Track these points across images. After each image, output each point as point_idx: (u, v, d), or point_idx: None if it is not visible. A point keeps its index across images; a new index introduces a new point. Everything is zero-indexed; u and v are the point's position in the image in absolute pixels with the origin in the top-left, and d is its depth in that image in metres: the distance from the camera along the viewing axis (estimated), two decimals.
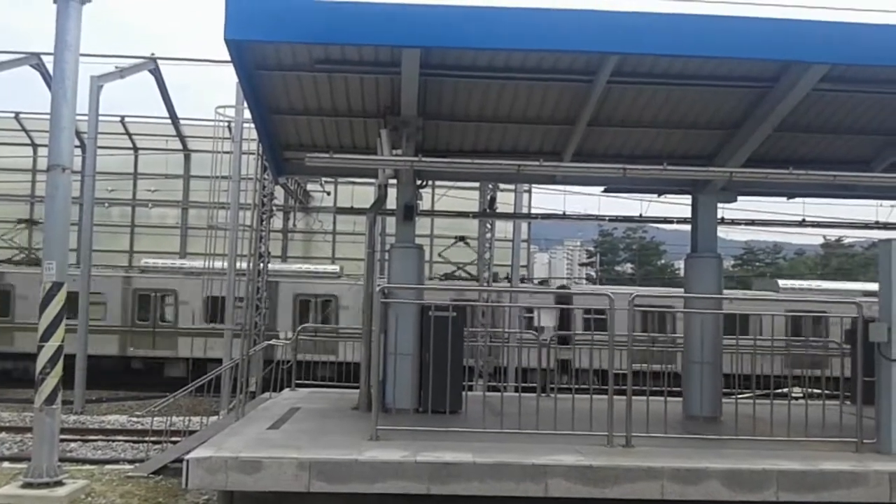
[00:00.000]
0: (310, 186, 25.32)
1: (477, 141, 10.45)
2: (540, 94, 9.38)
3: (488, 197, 21.54)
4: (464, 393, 9.11)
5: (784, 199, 12.40)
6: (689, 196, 10.78)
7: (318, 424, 8.54)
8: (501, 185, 21.61)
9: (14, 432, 15.14)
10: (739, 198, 10.92)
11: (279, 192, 22.68)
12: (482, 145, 10.51)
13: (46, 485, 9.08)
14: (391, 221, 10.83)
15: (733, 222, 13.86)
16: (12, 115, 25.44)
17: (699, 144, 10.30)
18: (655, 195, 12.56)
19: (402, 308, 9.31)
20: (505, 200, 23.06)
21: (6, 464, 11.63)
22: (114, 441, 14.76)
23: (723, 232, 11.78)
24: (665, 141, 10.28)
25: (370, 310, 9.72)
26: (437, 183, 19.98)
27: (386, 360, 9.17)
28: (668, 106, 9.49)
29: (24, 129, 25.60)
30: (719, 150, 10.19)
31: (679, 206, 12.86)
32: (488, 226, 22.86)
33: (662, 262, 59.78)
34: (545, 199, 53.92)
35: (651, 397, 7.58)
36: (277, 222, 24.35)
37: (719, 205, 10.77)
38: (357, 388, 10.46)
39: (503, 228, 24.30)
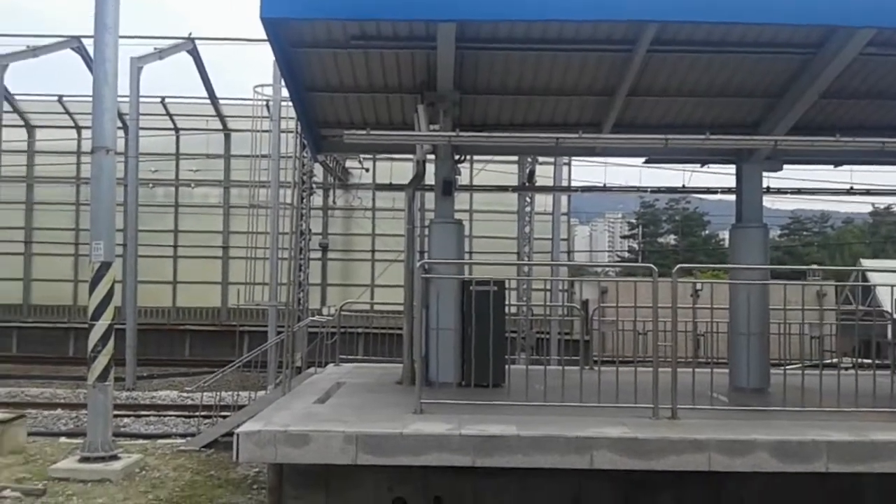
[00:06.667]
0: (348, 163, 25.42)
1: (515, 114, 10.37)
2: (578, 64, 9.26)
3: (527, 170, 21.48)
4: (506, 366, 9.14)
5: (831, 167, 12.11)
6: (733, 166, 10.59)
7: (363, 399, 8.65)
8: (540, 159, 21.49)
9: (69, 408, 15.61)
10: (785, 166, 10.70)
11: (318, 170, 22.84)
12: (520, 118, 10.43)
13: (102, 459, 9.41)
14: (430, 197, 10.82)
15: (779, 191, 13.51)
16: (56, 98, 25.88)
17: (742, 113, 10.10)
18: (698, 165, 12.36)
19: (442, 283, 9.33)
20: (544, 173, 22.93)
21: (63, 439, 12.05)
22: (165, 416, 15.13)
23: (768, 201, 11.53)
24: (707, 110, 10.09)
25: (411, 285, 9.77)
26: (476, 157, 19.96)
27: (428, 334, 9.23)
28: (710, 74, 9.31)
29: (67, 112, 26.03)
30: (763, 118, 9.98)
31: (723, 175, 12.62)
32: (528, 199, 22.77)
33: (706, 233, 58.96)
34: (585, 171, 53.47)
35: (697, 369, 7.52)
36: (317, 200, 24.53)
37: (764, 174, 10.56)
38: (401, 362, 10.55)
39: (543, 202, 24.17)
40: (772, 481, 6.61)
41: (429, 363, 9.24)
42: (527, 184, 21.20)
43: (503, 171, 22.61)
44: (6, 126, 21.59)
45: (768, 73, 9.26)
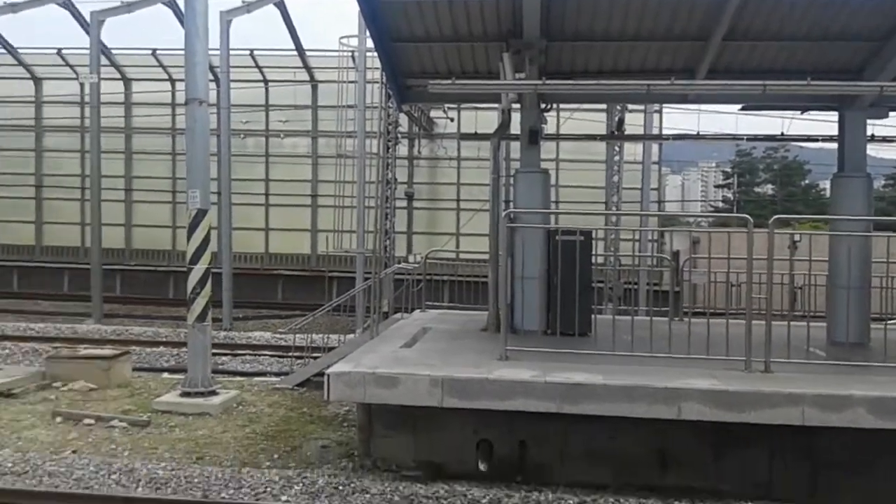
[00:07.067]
0: (433, 113, 25.37)
1: (603, 61, 10.14)
2: (670, 8, 8.96)
3: (616, 118, 20.96)
4: (593, 316, 9.11)
5: None
6: (836, 113, 10.10)
7: (448, 344, 8.80)
8: (630, 106, 20.94)
9: (171, 346, 16.38)
10: (891, 113, 10.16)
11: (403, 120, 22.91)
12: (609, 65, 10.19)
13: (201, 394, 9.95)
14: (516, 146, 10.75)
15: (884, 139, 12.82)
16: (150, 52, 26.63)
17: (846, 57, 9.60)
18: (798, 112, 11.84)
19: (527, 232, 9.33)
20: (634, 121, 22.33)
21: (165, 374, 12.80)
22: (260, 356, 15.72)
23: (872, 150, 10.99)
24: (807, 54, 9.63)
25: (496, 234, 9.79)
26: (563, 106, 19.62)
27: (513, 283, 9.26)
28: (811, 16, 8.87)
29: (161, 66, 26.76)
30: (868, 62, 9.48)
31: (825, 122, 12.05)
32: (616, 148, 22.28)
33: (806, 182, 56.47)
34: (677, 118, 51.95)
35: (793, 322, 7.32)
36: (403, 149, 24.66)
37: (869, 121, 10.05)
38: (486, 309, 10.64)
39: (632, 151, 23.60)
40: (865, 437, 6.43)
41: (514, 311, 9.30)
42: (616, 132, 20.69)
43: (591, 119, 22.14)
44: (104, 79, 22.40)
45: (873, 15, 8.76)
